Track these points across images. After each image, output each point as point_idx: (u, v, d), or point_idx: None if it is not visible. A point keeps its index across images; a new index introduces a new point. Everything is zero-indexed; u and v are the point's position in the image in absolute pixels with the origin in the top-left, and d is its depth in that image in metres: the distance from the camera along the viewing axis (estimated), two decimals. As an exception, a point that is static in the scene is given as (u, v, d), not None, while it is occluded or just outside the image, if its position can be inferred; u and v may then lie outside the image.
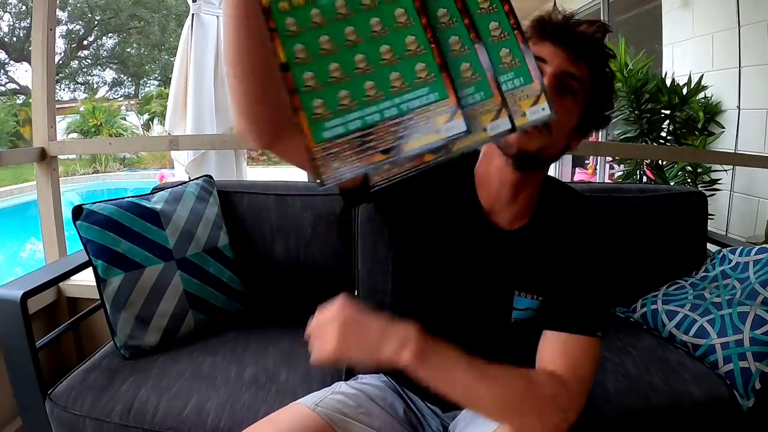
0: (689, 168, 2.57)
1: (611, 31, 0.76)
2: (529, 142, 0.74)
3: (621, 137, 2.76)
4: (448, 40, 0.54)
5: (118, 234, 1.20)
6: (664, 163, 2.66)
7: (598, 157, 3.72)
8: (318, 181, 0.51)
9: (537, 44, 0.74)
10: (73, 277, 1.35)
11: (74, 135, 11.92)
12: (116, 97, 15.41)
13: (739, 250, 1.44)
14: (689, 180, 2.57)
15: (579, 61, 0.73)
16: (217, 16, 2.32)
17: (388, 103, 0.53)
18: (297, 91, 0.52)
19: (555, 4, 0.83)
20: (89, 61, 15.59)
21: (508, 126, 0.53)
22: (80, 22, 14.79)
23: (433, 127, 0.52)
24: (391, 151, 0.52)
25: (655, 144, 2.66)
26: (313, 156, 0.51)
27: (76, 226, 1.20)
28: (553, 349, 0.75)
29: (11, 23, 13.96)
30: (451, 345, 0.68)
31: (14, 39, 13.97)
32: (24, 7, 13.62)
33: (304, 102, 0.52)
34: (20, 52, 13.70)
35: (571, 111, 0.76)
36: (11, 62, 14.18)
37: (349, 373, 1.16)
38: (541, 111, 0.54)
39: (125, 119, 13.35)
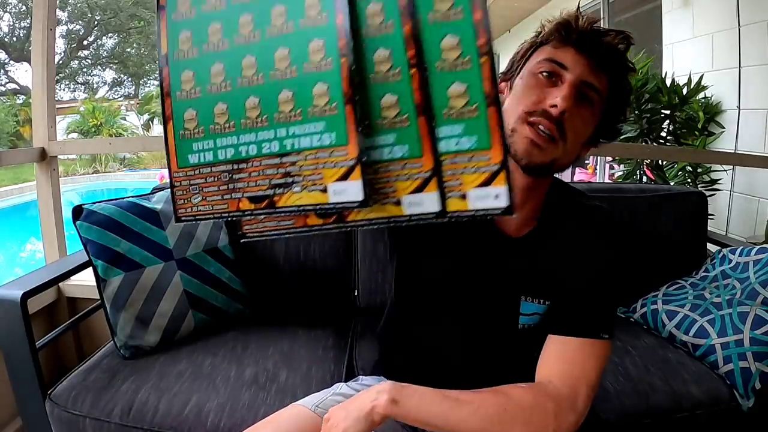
0: (689, 168, 2.57)
1: (634, 43, 0.74)
2: (540, 155, 0.71)
3: (621, 137, 2.76)
4: (373, 54, 0.36)
5: (118, 234, 1.20)
6: (664, 163, 2.66)
7: (598, 157, 3.71)
8: (175, 216, 0.41)
9: (558, 49, 0.72)
10: (73, 277, 1.35)
11: (74, 135, 11.93)
12: (116, 97, 15.43)
13: (739, 250, 1.44)
14: (689, 180, 2.57)
15: (600, 72, 0.72)
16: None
17: (270, 134, 0.38)
18: (170, 95, 0.40)
19: (578, 7, 0.81)
20: (89, 61, 15.60)
21: (435, 208, 0.36)
22: (80, 22, 14.80)
23: (320, 182, 0.37)
24: (261, 200, 0.38)
25: (655, 144, 2.66)
26: (173, 183, 0.40)
27: (76, 226, 1.20)
28: (551, 354, 0.75)
29: (11, 23, 13.97)
30: (427, 378, 0.72)
31: (14, 39, 13.98)
32: (24, 7, 13.62)
33: (175, 110, 0.40)
34: (20, 52, 13.71)
35: (588, 121, 0.74)
36: (11, 62, 14.19)
37: (349, 374, 1.16)
38: (494, 199, 0.35)
39: (125, 119, 13.36)
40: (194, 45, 0.39)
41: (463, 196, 0.35)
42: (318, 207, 0.37)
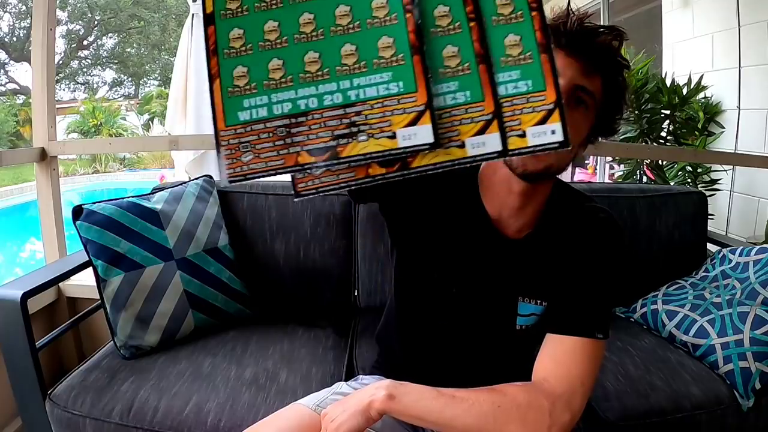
0: (689, 168, 2.56)
1: (627, 38, 0.72)
2: (535, 164, 0.70)
3: (621, 137, 2.76)
4: (433, 10, 0.39)
5: (118, 234, 1.20)
6: (664, 163, 2.66)
7: (598, 157, 3.71)
8: (224, 177, 0.40)
9: None
10: (73, 277, 1.35)
11: (74, 135, 11.92)
12: (116, 97, 15.42)
13: (739, 250, 1.44)
14: (689, 180, 2.56)
15: (593, 73, 0.69)
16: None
17: (332, 86, 0.39)
18: (217, 53, 0.40)
19: (569, 4, 0.77)
20: (89, 61, 15.59)
21: (497, 147, 0.38)
22: (80, 22, 14.79)
23: (387, 129, 0.38)
24: (323, 152, 0.38)
25: (655, 144, 2.66)
26: (219, 142, 0.40)
27: (76, 226, 1.20)
28: (547, 353, 0.75)
29: (11, 23, 13.96)
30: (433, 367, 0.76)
31: (14, 39, 13.97)
32: (24, 7, 13.62)
33: (222, 68, 0.39)
34: (20, 52, 13.70)
35: (581, 125, 0.72)
36: (11, 62, 14.18)
37: (349, 374, 1.16)
38: (550, 134, 0.38)
39: (125, 119, 13.35)
40: (244, 3, 0.40)
41: (523, 134, 0.38)
42: (387, 153, 0.38)
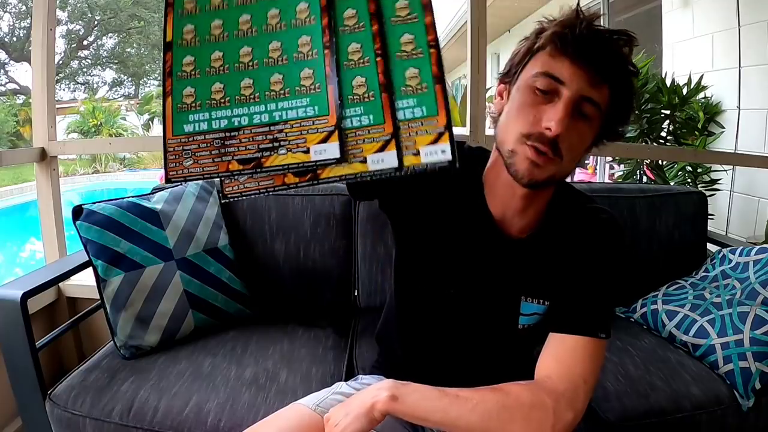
0: (689, 168, 2.57)
1: (638, 44, 0.71)
2: (540, 173, 0.70)
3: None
4: (347, 47, 0.46)
5: (118, 234, 1.20)
6: (664, 163, 2.66)
7: (598, 157, 3.71)
8: (165, 177, 0.48)
9: (554, 58, 0.68)
10: (73, 277, 1.35)
11: (74, 135, 11.92)
12: (116, 97, 15.41)
13: (739, 250, 1.44)
14: (689, 180, 2.57)
15: (601, 84, 0.68)
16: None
17: (261, 107, 0.47)
18: (171, 75, 0.48)
19: (578, 4, 0.72)
20: (89, 61, 15.58)
21: (394, 164, 0.45)
22: (80, 22, 14.78)
23: (303, 145, 0.46)
24: (249, 162, 0.46)
25: (655, 144, 2.66)
26: (167, 148, 0.48)
27: (76, 226, 1.20)
28: (550, 352, 0.75)
29: (11, 23, 13.96)
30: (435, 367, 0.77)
31: (14, 39, 13.96)
32: (24, 7, 13.61)
33: (174, 87, 0.48)
34: (20, 52, 13.69)
35: (585, 135, 0.72)
36: (11, 62, 14.18)
37: (349, 374, 1.16)
38: (441, 153, 0.44)
39: (125, 119, 13.35)
40: (197, 36, 0.48)
41: (417, 153, 0.45)
42: (301, 165, 0.45)
